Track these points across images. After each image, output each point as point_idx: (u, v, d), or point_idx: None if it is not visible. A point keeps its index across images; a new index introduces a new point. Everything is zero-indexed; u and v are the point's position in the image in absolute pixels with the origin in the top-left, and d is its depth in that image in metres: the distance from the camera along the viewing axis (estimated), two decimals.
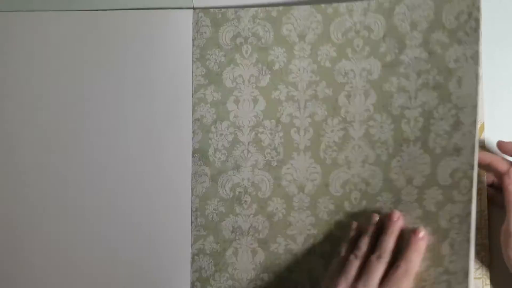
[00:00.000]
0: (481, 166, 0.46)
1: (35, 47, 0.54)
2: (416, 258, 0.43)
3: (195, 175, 0.51)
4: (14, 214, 0.53)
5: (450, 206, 0.44)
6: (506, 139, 0.48)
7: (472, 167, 0.44)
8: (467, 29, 0.45)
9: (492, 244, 0.48)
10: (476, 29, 0.45)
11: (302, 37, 0.50)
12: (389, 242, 0.44)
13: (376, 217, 0.46)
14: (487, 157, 0.47)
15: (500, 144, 0.47)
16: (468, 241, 0.43)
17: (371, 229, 0.46)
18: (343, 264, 0.44)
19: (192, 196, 0.51)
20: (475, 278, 0.48)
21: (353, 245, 0.45)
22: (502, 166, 0.46)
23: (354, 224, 0.47)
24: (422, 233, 0.44)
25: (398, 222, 0.45)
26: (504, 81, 0.50)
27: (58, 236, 0.53)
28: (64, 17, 0.54)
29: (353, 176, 0.48)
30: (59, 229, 0.53)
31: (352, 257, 0.44)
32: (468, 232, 0.43)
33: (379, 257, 0.43)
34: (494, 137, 0.49)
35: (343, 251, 0.46)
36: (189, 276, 0.51)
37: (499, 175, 0.46)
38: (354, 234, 0.46)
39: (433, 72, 0.46)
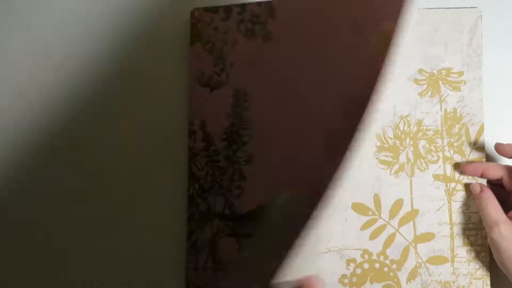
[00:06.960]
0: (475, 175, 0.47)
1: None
2: None
3: None
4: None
5: None
6: (505, 140, 0.47)
7: None
8: None
9: None
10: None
11: None
12: None
13: None
14: (478, 167, 0.47)
15: (498, 146, 0.47)
16: None
17: None
18: None
19: None
20: (475, 278, 0.48)
21: None
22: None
23: None
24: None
25: None
26: (504, 81, 0.50)
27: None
28: None
29: None
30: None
31: None
32: None
33: None
34: (494, 139, 0.48)
35: None
36: None
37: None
38: None
39: None
